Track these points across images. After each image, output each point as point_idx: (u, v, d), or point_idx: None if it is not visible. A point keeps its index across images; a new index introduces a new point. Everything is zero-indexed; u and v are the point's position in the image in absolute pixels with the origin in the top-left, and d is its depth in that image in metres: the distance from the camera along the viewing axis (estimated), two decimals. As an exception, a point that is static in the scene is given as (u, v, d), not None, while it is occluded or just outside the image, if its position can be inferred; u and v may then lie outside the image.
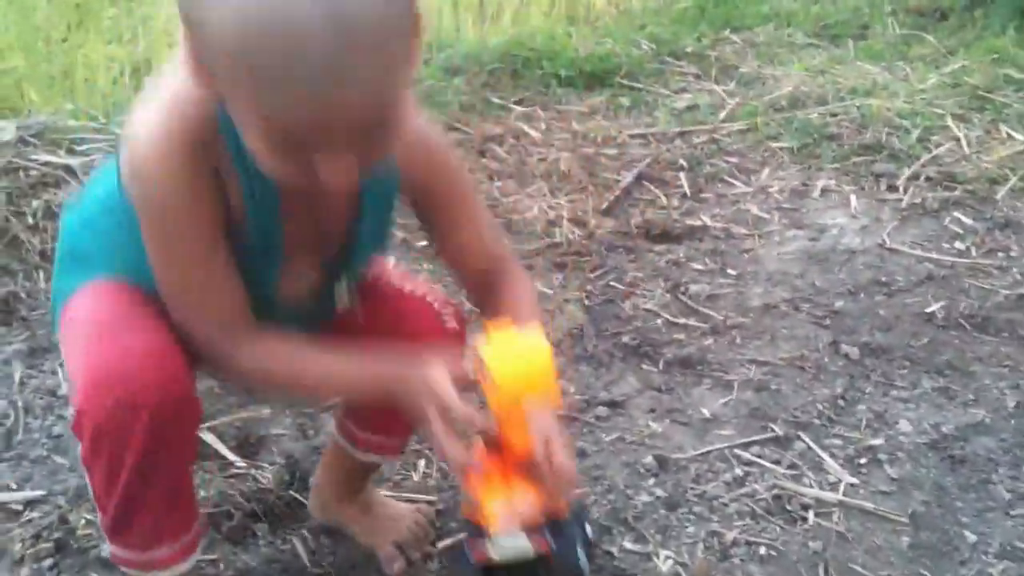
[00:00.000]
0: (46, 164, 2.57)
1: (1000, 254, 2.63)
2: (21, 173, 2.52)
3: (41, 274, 2.35)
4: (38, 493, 1.80)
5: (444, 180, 1.41)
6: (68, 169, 2.58)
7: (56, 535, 1.70)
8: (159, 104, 1.23)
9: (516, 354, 1.25)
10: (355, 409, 1.64)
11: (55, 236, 2.40)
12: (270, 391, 1.37)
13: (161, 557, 1.39)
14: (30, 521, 1.75)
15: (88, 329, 1.32)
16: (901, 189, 2.96)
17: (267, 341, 1.33)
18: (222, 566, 1.60)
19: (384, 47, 1.01)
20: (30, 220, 2.43)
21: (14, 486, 1.84)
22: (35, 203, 2.46)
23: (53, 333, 1.56)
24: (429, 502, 1.82)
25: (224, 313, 1.30)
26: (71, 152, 2.66)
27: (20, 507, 1.78)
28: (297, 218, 1.32)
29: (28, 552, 1.68)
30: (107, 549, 1.53)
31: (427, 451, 1.98)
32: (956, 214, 2.83)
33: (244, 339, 1.31)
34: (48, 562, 1.66)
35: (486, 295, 1.48)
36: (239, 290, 1.31)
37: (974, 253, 2.64)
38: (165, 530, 1.38)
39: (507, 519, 1.26)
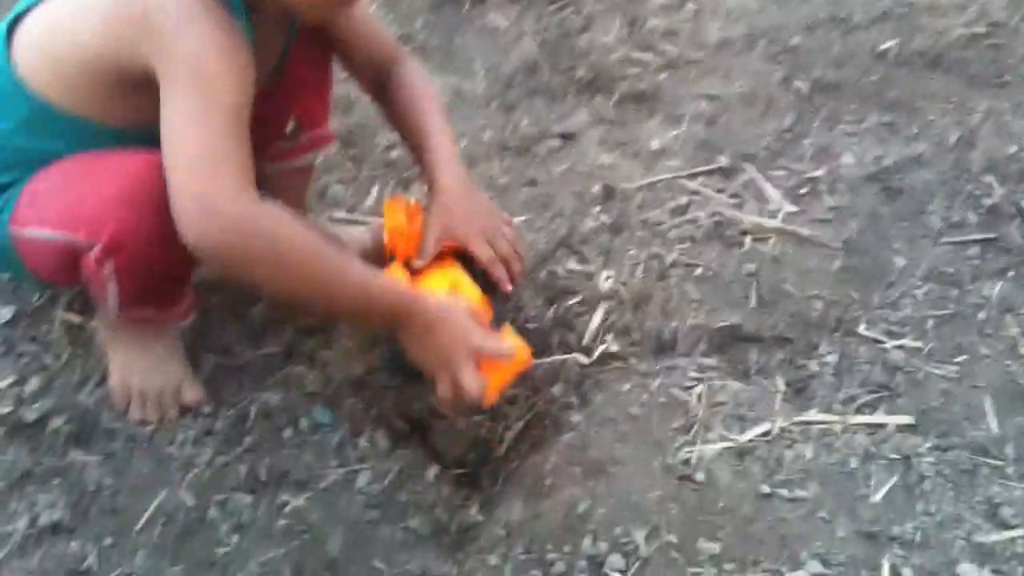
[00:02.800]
0: None
1: (960, -8, 2.61)
2: None
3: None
4: None
5: None
6: None
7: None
8: None
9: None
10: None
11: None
12: (252, 264, 1.21)
13: (175, 313, 1.47)
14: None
15: (71, 174, 1.31)
16: (868, -76, 2.90)
17: (276, 207, 1.24)
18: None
19: None
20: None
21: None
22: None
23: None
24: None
25: (244, 172, 1.22)
26: None
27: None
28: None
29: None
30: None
31: (380, 175, 2.02)
32: (920, -49, 2.78)
33: (255, 197, 1.22)
34: (7, 275, 1.69)
35: (383, 88, 1.61)
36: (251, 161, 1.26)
37: (933, -10, 2.62)
38: (180, 296, 1.46)
39: None
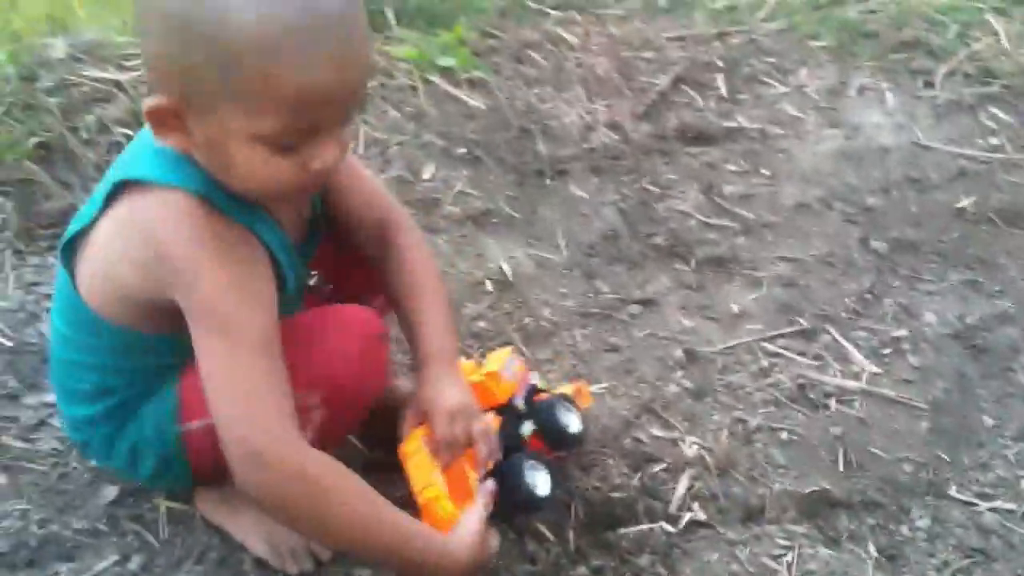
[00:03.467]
0: (97, 80, 2.65)
1: (1035, 149, 2.64)
2: (73, 89, 2.60)
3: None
4: (102, 391, 1.91)
5: None
6: (118, 84, 2.65)
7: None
8: (170, 224, 1.26)
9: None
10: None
11: (108, 150, 2.50)
12: (297, 514, 1.28)
13: None
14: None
15: None
16: (937, 85, 2.96)
17: (317, 452, 1.27)
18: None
19: (362, 13, 1.18)
20: (84, 135, 2.51)
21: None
22: (88, 118, 2.54)
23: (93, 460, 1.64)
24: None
25: (283, 408, 1.26)
26: (120, 68, 2.73)
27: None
28: (289, 230, 1.41)
29: (95, 445, 1.79)
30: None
31: (465, 346, 2.07)
32: (992, 109, 2.82)
33: (298, 442, 1.25)
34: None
35: (382, 255, 1.57)
36: (288, 386, 1.28)
37: (1008, 148, 2.65)
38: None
39: None
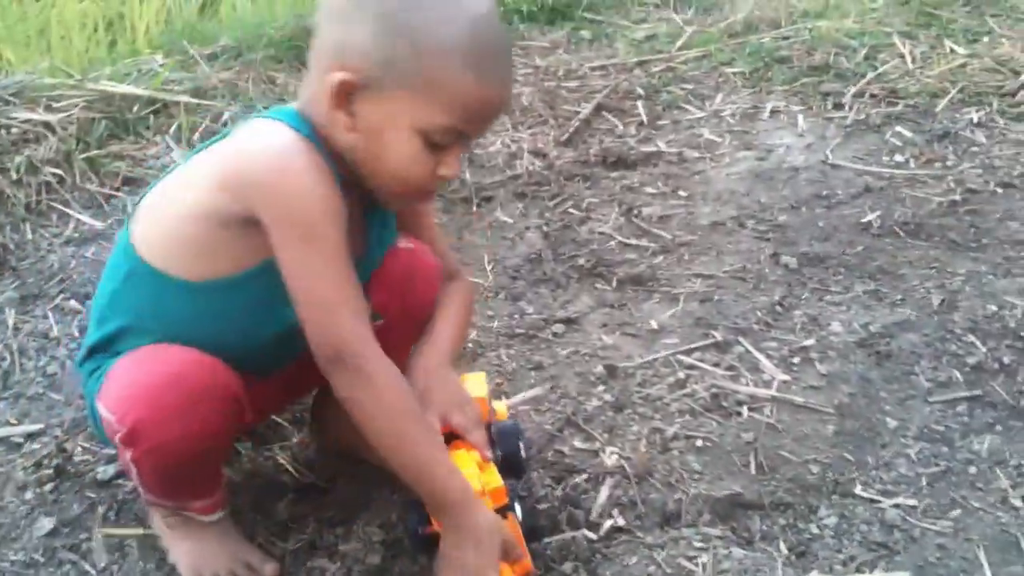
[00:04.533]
0: (26, 121, 2.69)
1: (937, 164, 2.76)
2: (2, 131, 2.64)
3: (28, 226, 2.49)
4: (36, 427, 1.95)
5: None
6: (47, 125, 2.70)
7: (55, 462, 1.86)
8: (270, 138, 1.39)
9: None
10: None
11: (38, 190, 2.54)
12: (355, 414, 1.39)
13: (196, 507, 1.58)
14: (31, 452, 1.91)
15: (135, 360, 1.44)
16: (846, 107, 3.09)
17: (386, 363, 1.38)
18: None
19: None
20: (14, 175, 2.55)
21: (14, 421, 1.99)
22: (17, 159, 2.58)
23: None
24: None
25: (359, 310, 1.38)
26: (49, 109, 2.77)
27: (21, 440, 1.94)
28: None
29: (30, 479, 1.83)
30: (104, 472, 1.73)
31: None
32: (897, 128, 2.95)
33: (371, 343, 1.38)
34: (49, 487, 1.82)
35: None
36: (361, 293, 1.41)
37: (912, 164, 2.77)
38: (203, 493, 1.57)
39: None
